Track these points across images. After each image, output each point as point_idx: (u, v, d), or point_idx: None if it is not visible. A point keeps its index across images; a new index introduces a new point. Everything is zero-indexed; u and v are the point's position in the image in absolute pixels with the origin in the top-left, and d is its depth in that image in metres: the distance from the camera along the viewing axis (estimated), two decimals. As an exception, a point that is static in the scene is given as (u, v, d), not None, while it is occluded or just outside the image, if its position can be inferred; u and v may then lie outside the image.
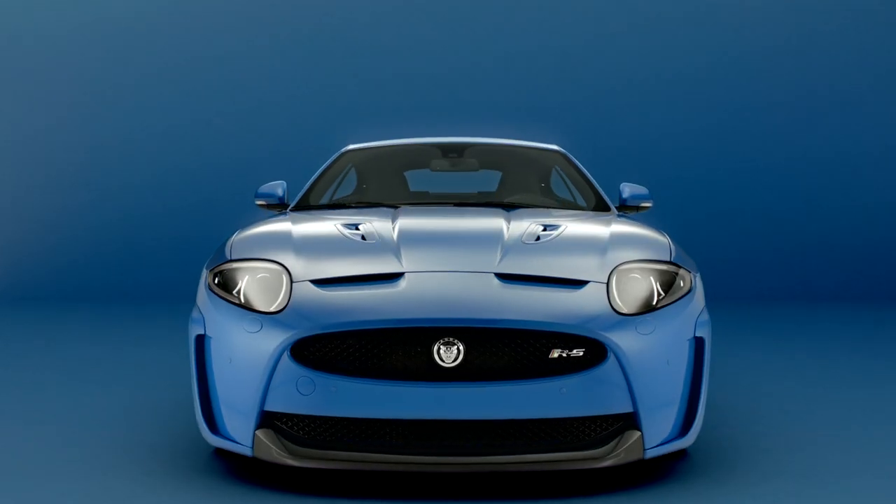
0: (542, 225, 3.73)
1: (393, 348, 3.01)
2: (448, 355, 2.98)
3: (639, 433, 3.12)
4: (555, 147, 5.47)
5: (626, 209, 4.95)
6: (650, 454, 3.17)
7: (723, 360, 5.82)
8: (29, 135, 11.73)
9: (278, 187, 4.96)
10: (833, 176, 11.73)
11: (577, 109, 11.74)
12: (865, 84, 11.80)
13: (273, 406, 3.08)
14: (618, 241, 3.60)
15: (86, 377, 5.45)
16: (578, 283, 3.22)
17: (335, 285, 3.20)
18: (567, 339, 3.04)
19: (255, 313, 3.17)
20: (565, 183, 5.25)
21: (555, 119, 11.75)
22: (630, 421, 3.12)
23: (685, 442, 3.28)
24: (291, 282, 3.23)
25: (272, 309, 3.16)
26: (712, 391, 4.56)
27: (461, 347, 2.99)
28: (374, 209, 4.31)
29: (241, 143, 11.74)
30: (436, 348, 2.99)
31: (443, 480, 3.21)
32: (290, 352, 3.05)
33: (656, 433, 3.17)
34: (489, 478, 3.24)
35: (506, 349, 3.02)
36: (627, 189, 4.99)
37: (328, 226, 3.77)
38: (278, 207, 4.94)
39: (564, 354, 3.03)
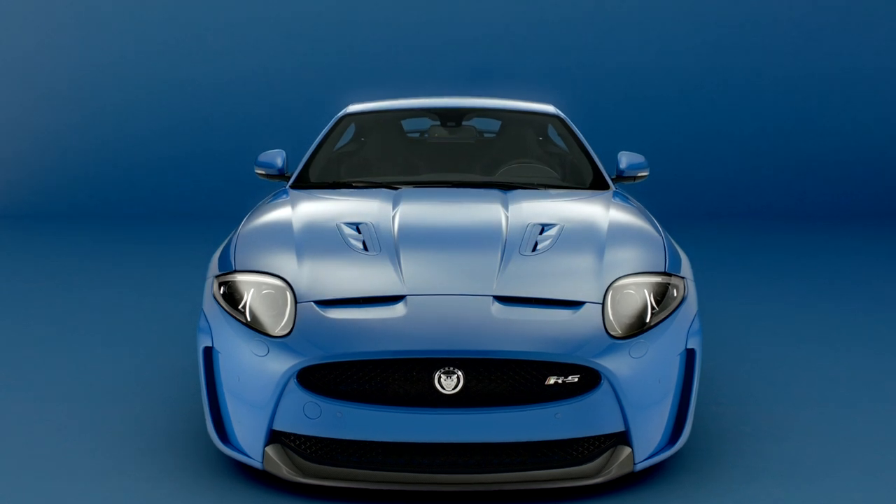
0: (541, 225, 3.81)
1: (396, 376, 3.15)
2: (448, 383, 3.12)
3: (629, 449, 3.28)
4: (552, 110, 5.48)
5: (624, 180, 5.01)
6: (640, 467, 3.34)
7: (714, 310, 5.97)
8: (23, 53, 11.56)
9: (277, 157, 5.02)
10: (831, 93, 11.68)
11: (571, 30, 11.58)
12: (866, 0, 11.62)
13: (281, 426, 3.23)
14: (614, 243, 3.70)
15: (92, 334, 5.60)
16: (575, 305, 3.33)
17: (338, 306, 3.30)
18: (563, 367, 3.17)
19: (261, 335, 3.28)
20: (561, 156, 5.30)
21: (541, 37, 11.60)
22: (621, 438, 3.28)
23: (674, 450, 3.44)
24: (296, 301, 3.33)
25: (278, 332, 3.28)
26: (703, 361, 4.71)
27: (461, 376, 3.12)
28: (373, 192, 4.37)
29: (239, 61, 11.59)
30: (437, 377, 3.12)
31: (438, 497, 3.38)
32: (297, 377, 3.19)
33: (646, 447, 3.33)
34: (482, 493, 3.39)
35: (504, 377, 3.16)
36: (625, 159, 5.03)
37: (329, 226, 3.83)
38: (278, 178, 5.01)
39: (560, 381, 3.17)
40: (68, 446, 3.83)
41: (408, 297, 3.30)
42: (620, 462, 3.26)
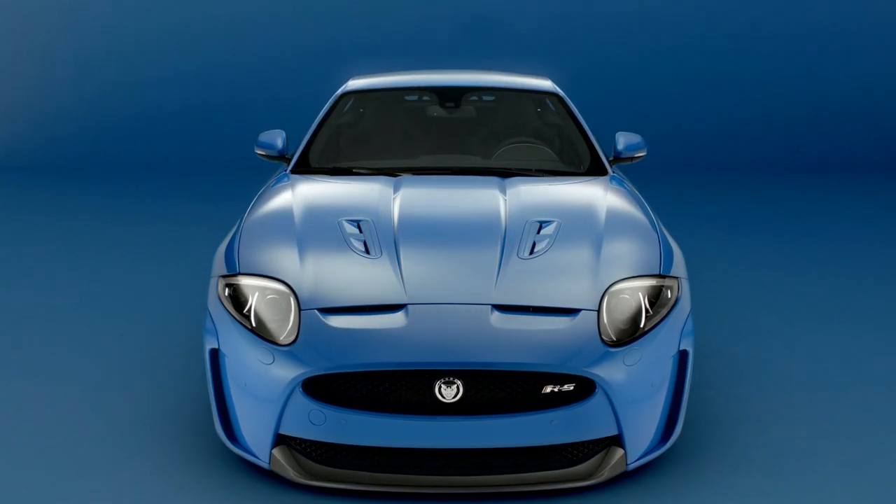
0: (538, 222, 3.88)
1: (398, 385, 3.26)
2: (448, 392, 3.23)
3: (622, 451, 3.41)
4: (549, 86, 5.49)
5: (621, 161, 5.05)
6: (632, 466, 3.46)
7: (709, 279, 6.06)
8: (15, 2, 11.42)
9: (278, 137, 5.06)
10: (832, 44, 11.60)
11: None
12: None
13: (287, 430, 3.35)
14: (611, 241, 3.78)
15: (97, 306, 5.69)
16: (571, 312, 3.42)
17: (341, 314, 3.40)
18: (559, 376, 3.28)
19: (267, 343, 3.39)
20: (559, 127, 5.33)
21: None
22: (614, 440, 3.41)
23: (666, 447, 3.57)
24: (300, 308, 3.42)
25: (282, 340, 3.38)
26: (697, 340, 4.81)
27: (460, 385, 3.23)
28: (373, 179, 4.44)
29: (234, 7, 11.48)
30: (437, 386, 3.23)
31: (438, 499, 3.50)
32: (301, 386, 3.29)
33: (639, 447, 3.45)
34: (479, 495, 3.52)
35: (502, 386, 3.27)
36: (622, 140, 5.07)
37: (331, 223, 3.90)
38: (278, 159, 5.05)
39: (556, 390, 3.28)
40: (79, 435, 3.94)
41: (409, 305, 3.39)
42: (613, 464, 3.39)
